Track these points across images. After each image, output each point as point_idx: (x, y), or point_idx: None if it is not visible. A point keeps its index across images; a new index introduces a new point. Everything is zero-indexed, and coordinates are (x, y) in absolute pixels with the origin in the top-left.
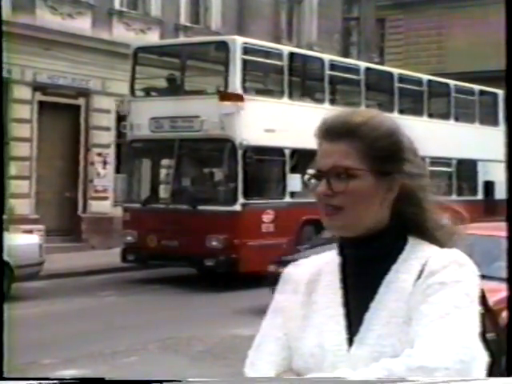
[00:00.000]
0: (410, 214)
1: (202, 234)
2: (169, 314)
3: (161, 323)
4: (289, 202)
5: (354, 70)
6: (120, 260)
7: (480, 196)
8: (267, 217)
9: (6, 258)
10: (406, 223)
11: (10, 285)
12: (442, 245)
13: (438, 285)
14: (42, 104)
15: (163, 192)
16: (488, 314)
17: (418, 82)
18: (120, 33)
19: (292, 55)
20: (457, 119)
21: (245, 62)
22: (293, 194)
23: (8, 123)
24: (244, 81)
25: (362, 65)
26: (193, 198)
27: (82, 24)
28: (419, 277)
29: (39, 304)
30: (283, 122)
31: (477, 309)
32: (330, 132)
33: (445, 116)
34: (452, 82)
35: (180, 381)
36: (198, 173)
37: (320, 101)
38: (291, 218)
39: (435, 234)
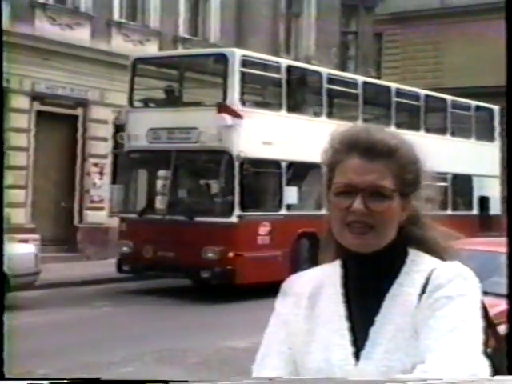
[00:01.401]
0: (410, 227)
1: (198, 246)
2: (164, 325)
3: (156, 334)
4: (285, 214)
5: (352, 84)
6: (116, 270)
7: (475, 211)
8: (263, 229)
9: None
10: (407, 237)
11: (5, 294)
12: (441, 257)
13: (444, 299)
14: (39, 114)
15: (160, 203)
16: (490, 325)
17: (416, 96)
18: (119, 44)
19: (290, 68)
20: (453, 134)
21: (243, 75)
22: (289, 207)
23: (5, 132)
24: (242, 93)
25: (360, 79)
26: (189, 210)
27: (81, 34)
28: (424, 290)
29: (35, 314)
30: (280, 135)
31: (481, 321)
32: (368, 149)
33: (441, 131)
34: (449, 98)
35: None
36: (194, 184)
37: (317, 114)
38: (287, 230)
39: (434, 246)
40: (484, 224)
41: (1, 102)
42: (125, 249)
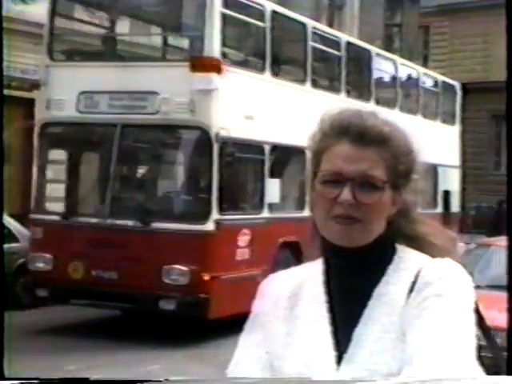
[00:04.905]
0: (400, 223)
1: (156, 264)
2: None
3: (188, 331)
4: (267, 217)
5: (335, 43)
6: (22, 296)
7: (439, 209)
8: (243, 239)
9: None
10: (395, 232)
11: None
12: (432, 255)
13: (434, 297)
14: None
15: (96, 200)
16: (484, 329)
17: (394, 64)
18: None
19: (275, 15)
20: (424, 115)
21: (224, 18)
22: (271, 207)
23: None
24: (224, 45)
25: (343, 38)
26: (143, 212)
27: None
28: (412, 289)
29: (66, 309)
30: (263, 107)
31: (473, 322)
32: (360, 135)
33: (412, 110)
34: (420, 69)
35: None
36: (150, 175)
37: (302, 81)
38: (268, 239)
39: (425, 243)
40: (445, 223)
41: (1, 104)
42: (40, 265)
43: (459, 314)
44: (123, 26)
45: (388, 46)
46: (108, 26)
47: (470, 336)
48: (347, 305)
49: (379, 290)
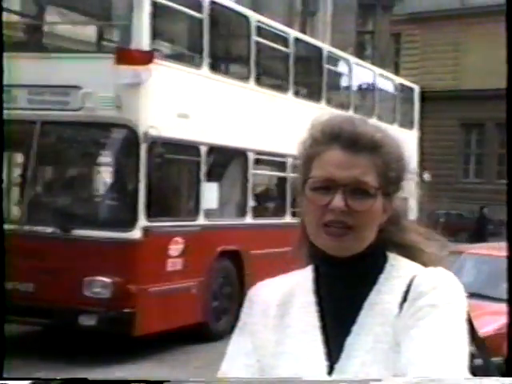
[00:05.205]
0: (390, 231)
1: (76, 275)
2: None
3: (158, 336)
4: (203, 224)
5: (282, 39)
6: None
7: None
8: (175, 248)
9: None
10: (385, 240)
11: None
12: (423, 263)
13: (428, 307)
14: None
15: (12, 204)
16: (475, 339)
17: (347, 63)
18: None
19: (214, 6)
20: (380, 118)
21: (155, 7)
22: (207, 214)
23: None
24: (154, 36)
25: (291, 33)
26: (63, 217)
27: None
28: (405, 298)
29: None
30: (199, 105)
31: (466, 331)
32: (352, 142)
33: (367, 112)
34: (376, 70)
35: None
36: (72, 177)
37: (244, 78)
38: (204, 248)
39: (416, 251)
40: None
41: (1, 102)
42: None
43: (454, 324)
44: (49, 15)
45: (360, 53)
46: (32, 15)
47: (463, 347)
48: (338, 314)
49: (371, 299)
